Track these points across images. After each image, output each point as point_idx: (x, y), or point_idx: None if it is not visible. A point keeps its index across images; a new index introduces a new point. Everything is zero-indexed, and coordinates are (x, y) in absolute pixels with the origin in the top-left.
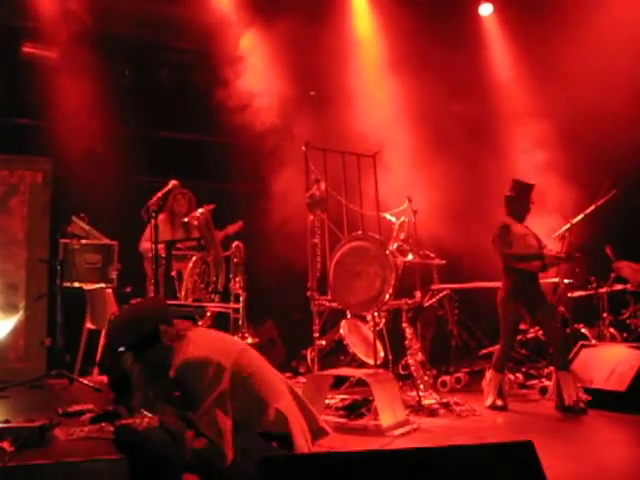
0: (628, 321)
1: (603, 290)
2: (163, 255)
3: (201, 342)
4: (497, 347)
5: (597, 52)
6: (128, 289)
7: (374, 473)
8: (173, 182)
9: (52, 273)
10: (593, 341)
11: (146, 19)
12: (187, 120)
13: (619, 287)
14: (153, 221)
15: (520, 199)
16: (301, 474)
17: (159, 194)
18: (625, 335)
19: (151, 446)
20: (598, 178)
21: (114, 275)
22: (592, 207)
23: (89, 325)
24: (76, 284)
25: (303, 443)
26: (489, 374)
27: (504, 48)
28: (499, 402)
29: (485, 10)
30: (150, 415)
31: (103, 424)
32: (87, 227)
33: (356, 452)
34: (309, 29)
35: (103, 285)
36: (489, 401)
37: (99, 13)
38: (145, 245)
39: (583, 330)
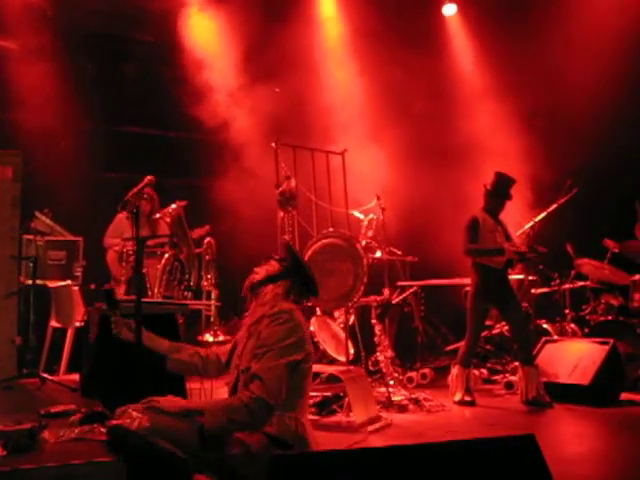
0: (588, 317)
1: (565, 287)
2: (131, 251)
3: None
4: (462, 343)
5: (559, 52)
6: (92, 286)
7: (380, 469)
8: (148, 177)
9: (25, 270)
10: (555, 337)
11: (110, 11)
12: (153, 115)
13: (580, 284)
14: (119, 215)
15: (499, 193)
16: (313, 472)
17: (135, 189)
18: (586, 331)
19: (146, 446)
20: (560, 177)
21: (79, 272)
22: (554, 205)
23: (54, 323)
24: (40, 281)
25: None
26: (455, 370)
27: (467, 47)
28: (467, 397)
29: (449, 10)
30: (140, 415)
31: (94, 425)
32: (50, 223)
33: (364, 449)
34: (275, 26)
35: (69, 282)
36: (457, 397)
37: (61, 4)
38: (110, 240)
39: (545, 326)
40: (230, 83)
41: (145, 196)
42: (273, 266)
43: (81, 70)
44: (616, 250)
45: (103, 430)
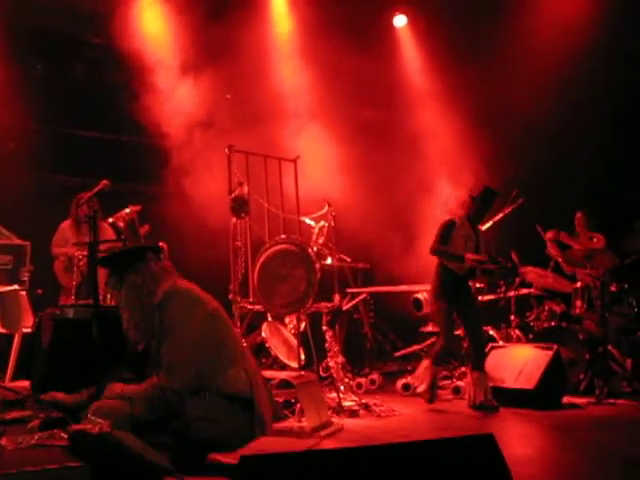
0: (532, 323)
1: (510, 294)
2: (81, 256)
3: (190, 284)
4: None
5: (506, 64)
6: (39, 291)
7: (348, 469)
8: (104, 182)
9: None
10: (501, 342)
11: (61, 11)
12: (102, 118)
13: (524, 291)
14: (62, 223)
15: (483, 203)
16: (282, 472)
17: (89, 193)
18: (530, 337)
19: (108, 450)
20: (506, 188)
21: (26, 277)
22: (500, 215)
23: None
24: None
25: (264, 410)
26: (426, 362)
27: (416, 57)
28: (427, 394)
29: (399, 21)
30: (101, 420)
31: (54, 431)
32: None
33: (334, 450)
34: (227, 30)
35: (16, 287)
36: (420, 388)
37: (10, 2)
38: (57, 250)
39: (491, 332)
40: (182, 88)
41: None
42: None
43: (29, 69)
44: (559, 259)
45: (64, 435)
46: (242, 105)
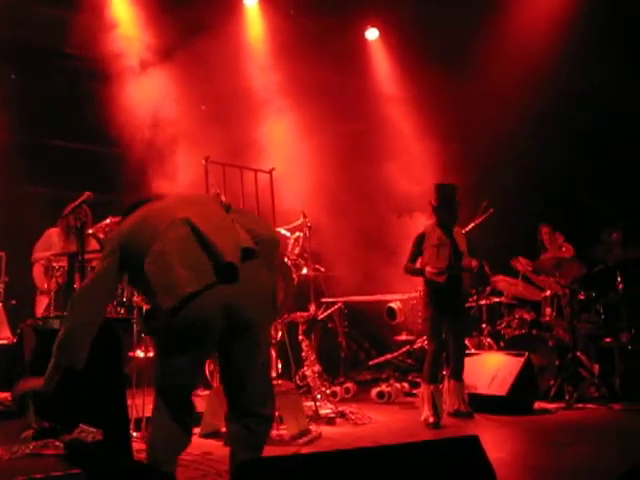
0: (503, 331)
1: (481, 302)
2: (59, 266)
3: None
4: (384, 357)
5: (476, 78)
6: (13, 302)
7: (341, 472)
8: (87, 193)
9: None
10: (473, 350)
11: (35, 22)
12: (78, 129)
13: (495, 300)
14: (50, 229)
15: (445, 205)
16: (282, 476)
17: (74, 204)
18: (502, 344)
19: (104, 458)
20: (476, 198)
21: (1, 288)
22: (471, 225)
23: None
24: None
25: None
26: (421, 387)
27: (388, 70)
28: (431, 418)
29: (371, 35)
30: (93, 429)
31: (48, 440)
32: None
33: (324, 453)
34: (203, 45)
35: None
36: (422, 416)
37: None
38: (38, 254)
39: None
40: (158, 99)
41: (82, 211)
42: None
43: (3, 79)
44: (529, 268)
45: (58, 444)
46: (217, 117)
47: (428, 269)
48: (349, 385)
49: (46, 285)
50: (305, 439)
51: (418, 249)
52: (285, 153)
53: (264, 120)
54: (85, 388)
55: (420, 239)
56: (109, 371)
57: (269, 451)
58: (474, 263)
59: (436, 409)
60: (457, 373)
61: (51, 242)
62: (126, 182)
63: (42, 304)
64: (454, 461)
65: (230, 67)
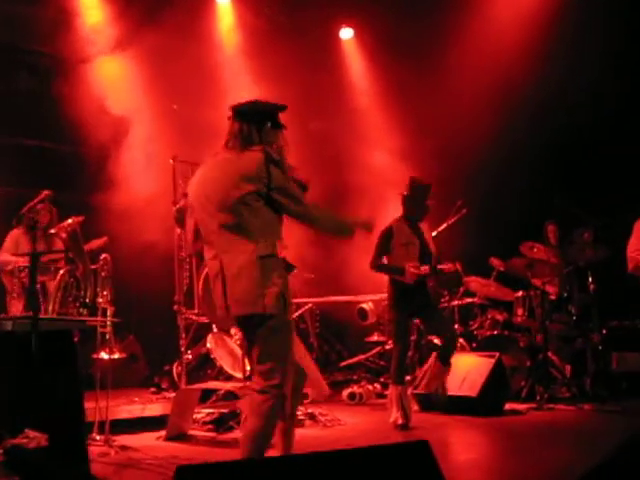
0: (476, 332)
1: (454, 303)
2: (23, 267)
3: None
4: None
5: (450, 77)
6: None
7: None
8: (45, 192)
9: None
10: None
11: (4, 19)
12: (46, 127)
13: (468, 300)
14: (15, 230)
15: (417, 199)
16: None
17: (32, 203)
18: (474, 345)
19: (44, 465)
20: (450, 198)
21: None
22: (444, 225)
23: None
24: None
25: None
26: (389, 389)
27: (362, 70)
28: (400, 420)
29: (345, 34)
30: (38, 434)
31: None
32: None
33: (269, 458)
34: (174, 42)
35: None
36: (391, 418)
37: None
38: (6, 258)
39: (436, 341)
40: (127, 98)
41: (39, 208)
42: None
43: None
44: (502, 268)
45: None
46: (187, 115)
47: (411, 269)
48: None
49: (13, 286)
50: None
51: (386, 246)
52: None
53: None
54: (33, 392)
55: (387, 235)
56: (61, 375)
57: (233, 454)
58: (458, 266)
59: (405, 410)
60: (445, 358)
61: (18, 243)
62: (89, 182)
63: (13, 306)
64: (404, 466)
65: (200, 64)
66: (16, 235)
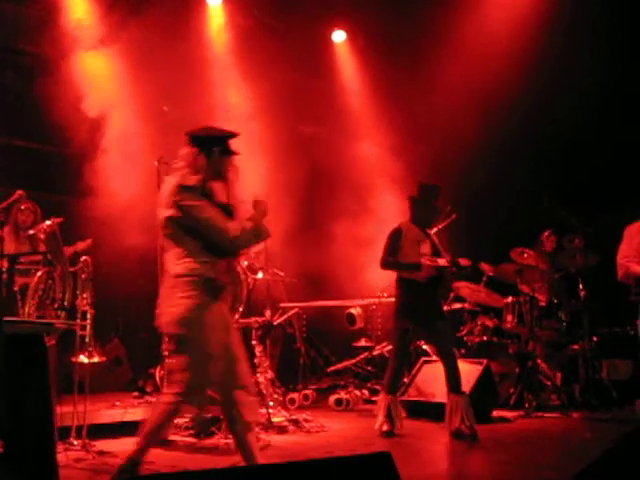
0: (466, 338)
1: (444, 309)
2: (4, 269)
3: None
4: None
5: (442, 77)
6: None
7: None
8: (19, 192)
9: None
10: (434, 357)
11: None
12: (30, 127)
13: (458, 306)
14: None
15: (425, 203)
16: None
17: (3, 204)
18: (463, 351)
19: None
20: (440, 202)
21: None
22: (434, 230)
23: None
24: None
25: None
26: (380, 395)
27: (355, 73)
28: (385, 427)
29: (338, 37)
30: None
31: None
32: None
33: (215, 470)
34: (162, 41)
35: None
36: (377, 424)
37: None
38: None
39: (424, 347)
40: (112, 97)
41: (24, 207)
42: None
43: None
44: (491, 273)
45: None
46: (174, 116)
47: (427, 262)
48: (308, 392)
49: None
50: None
51: (395, 245)
52: (245, 153)
53: (224, 121)
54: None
55: (397, 234)
56: (28, 379)
57: (213, 460)
58: (471, 262)
59: (391, 417)
60: (453, 386)
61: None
62: (72, 182)
63: None
64: (365, 478)
65: (189, 64)
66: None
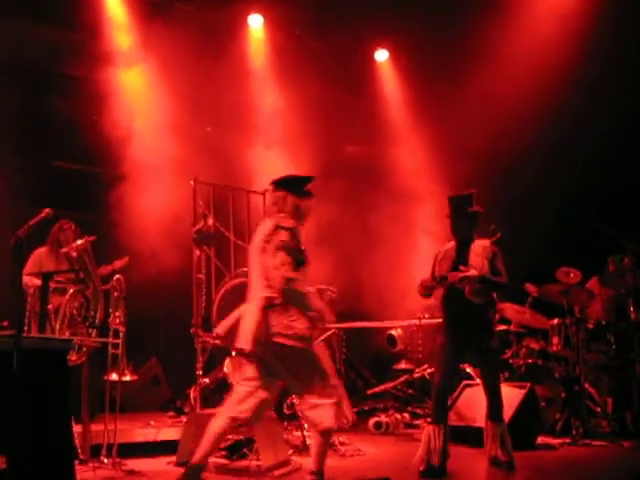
0: (511, 360)
1: None
2: (38, 286)
3: None
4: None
5: (486, 97)
6: (5, 323)
7: None
8: (47, 210)
9: None
10: (478, 380)
11: (36, 43)
12: (73, 150)
13: (502, 327)
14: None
15: (456, 216)
16: None
17: (31, 222)
18: (507, 375)
19: None
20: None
21: None
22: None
23: None
24: None
25: None
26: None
27: (398, 92)
28: (421, 466)
29: (381, 56)
30: None
31: None
32: None
33: None
34: (206, 65)
35: None
36: (418, 452)
37: None
38: (28, 280)
39: (468, 370)
40: (152, 118)
41: (66, 227)
42: None
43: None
44: (536, 294)
45: None
46: (211, 137)
47: (452, 272)
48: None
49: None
50: (283, 470)
51: (433, 268)
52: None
53: (265, 140)
54: (9, 413)
55: (435, 258)
56: (47, 396)
57: None
58: (469, 273)
59: (430, 454)
60: (494, 413)
61: (41, 262)
62: (109, 202)
63: (32, 327)
64: None
65: (230, 87)
66: (38, 255)
